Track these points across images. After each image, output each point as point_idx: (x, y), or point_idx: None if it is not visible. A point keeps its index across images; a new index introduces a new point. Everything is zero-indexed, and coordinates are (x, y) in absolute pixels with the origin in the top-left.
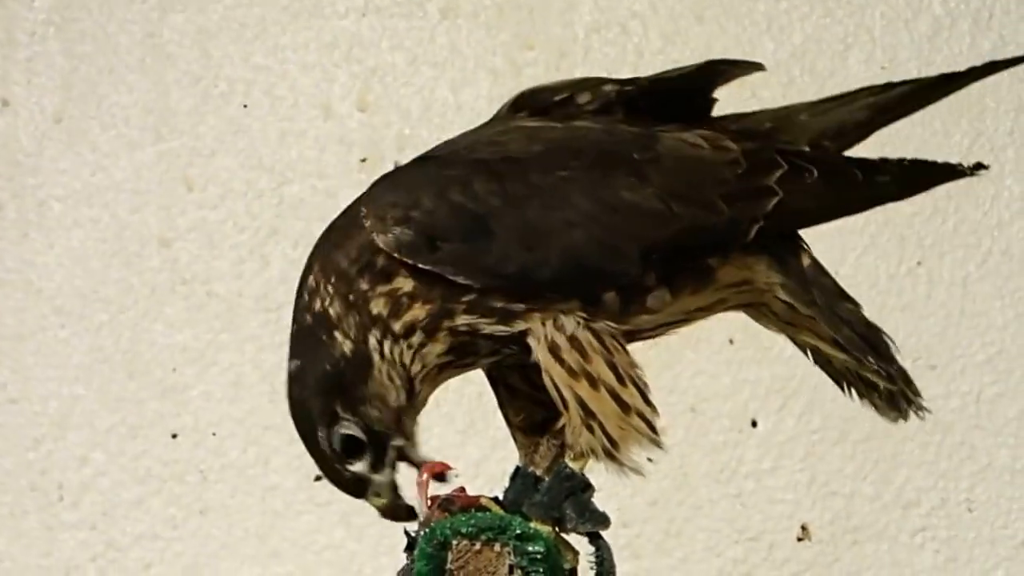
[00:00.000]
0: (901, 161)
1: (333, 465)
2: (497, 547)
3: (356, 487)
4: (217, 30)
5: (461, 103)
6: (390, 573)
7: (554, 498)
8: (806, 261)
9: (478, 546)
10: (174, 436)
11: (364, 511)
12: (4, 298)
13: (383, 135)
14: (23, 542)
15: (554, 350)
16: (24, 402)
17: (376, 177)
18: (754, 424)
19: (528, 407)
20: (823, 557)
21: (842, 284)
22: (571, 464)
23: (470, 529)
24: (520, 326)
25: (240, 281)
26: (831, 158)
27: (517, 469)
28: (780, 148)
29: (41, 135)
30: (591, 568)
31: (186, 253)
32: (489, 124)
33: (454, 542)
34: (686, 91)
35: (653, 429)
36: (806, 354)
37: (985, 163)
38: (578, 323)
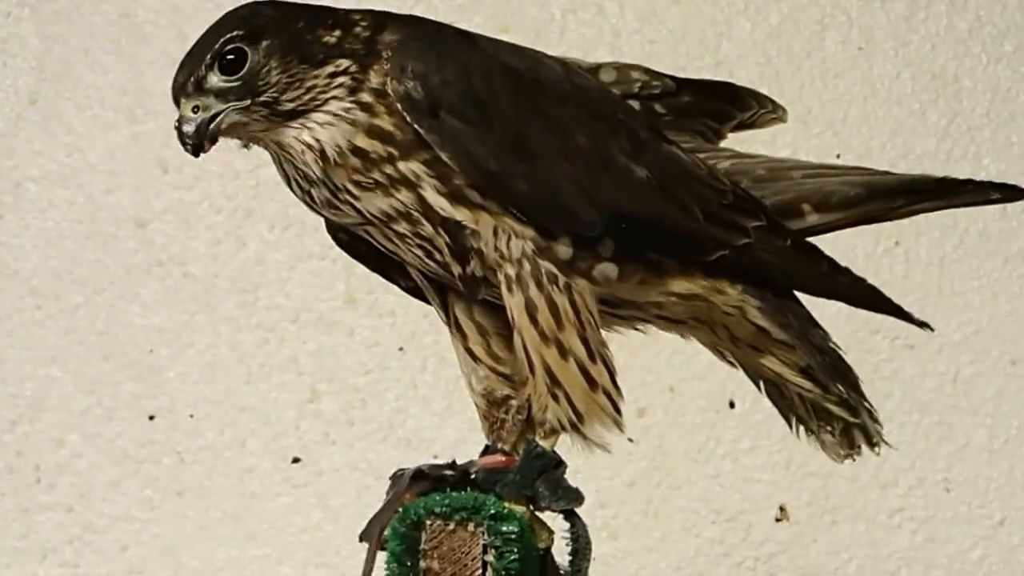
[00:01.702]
0: (862, 280)
1: (201, 59)
2: (471, 527)
3: (186, 89)
4: (192, 11)
5: None
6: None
7: (526, 477)
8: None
9: (452, 526)
10: (151, 418)
11: (342, 493)
12: None
13: None
14: None
15: (531, 311)
16: (0, 384)
17: None
18: (732, 405)
19: (490, 378)
20: (801, 537)
21: None
22: (541, 442)
23: (444, 509)
24: (464, 215)
25: (216, 262)
26: (808, 243)
27: (486, 448)
28: (767, 209)
29: (16, 116)
30: (567, 545)
31: (162, 234)
32: (518, 46)
33: (427, 522)
34: (704, 111)
35: (617, 410)
36: (757, 385)
37: (930, 324)
38: (525, 253)
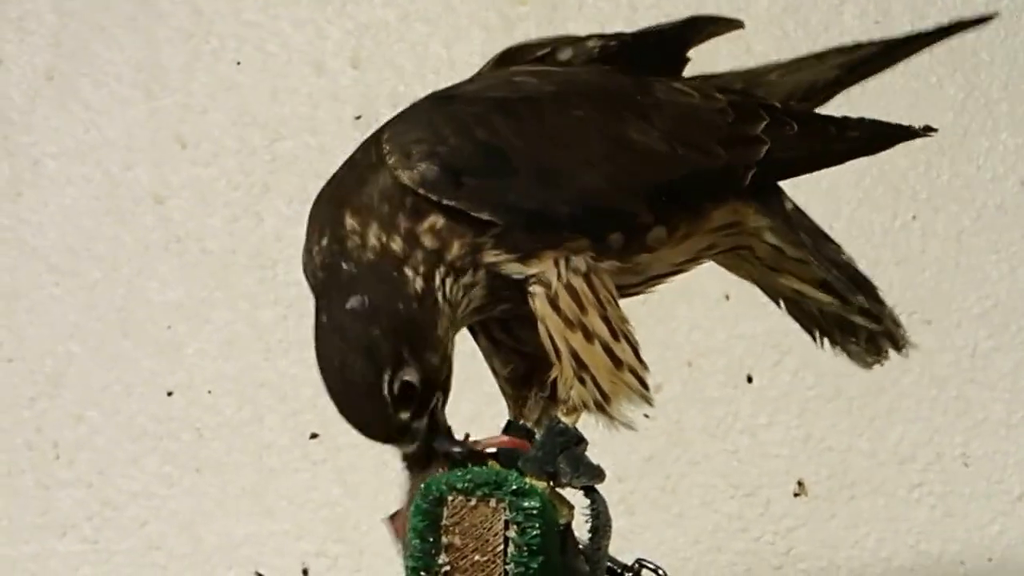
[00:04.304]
0: (862, 120)
1: (386, 411)
2: (493, 503)
3: (400, 433)
4: None
5: (454, 59)
6: (385, 530)
7: (548, 453)
8: (788, 205)
9: (473, 502)
10: (169, 394)
11: (360, 469)
12: None
13: (376, 92)
14: (19, 501)
15: (552, 300)
16: (19, 361)
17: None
18: (749, 379)
19: (514, 359)
20: (819, 512)
21: (837, 239)
22: (563, 419)
23: (466, 484)
24: (535, 267)
25: (234, 238)
26: (807, 114)
27: (509, 423)
28: (760, 102)
29: (34, 93)
30: (587, 521)
31: (179, 211)
32: (482, 76)
33: (449, 498)
34: (663, 47)
35: (644, 385)
36: (778, 303)
37: (934, 127)
38: (587, 262)
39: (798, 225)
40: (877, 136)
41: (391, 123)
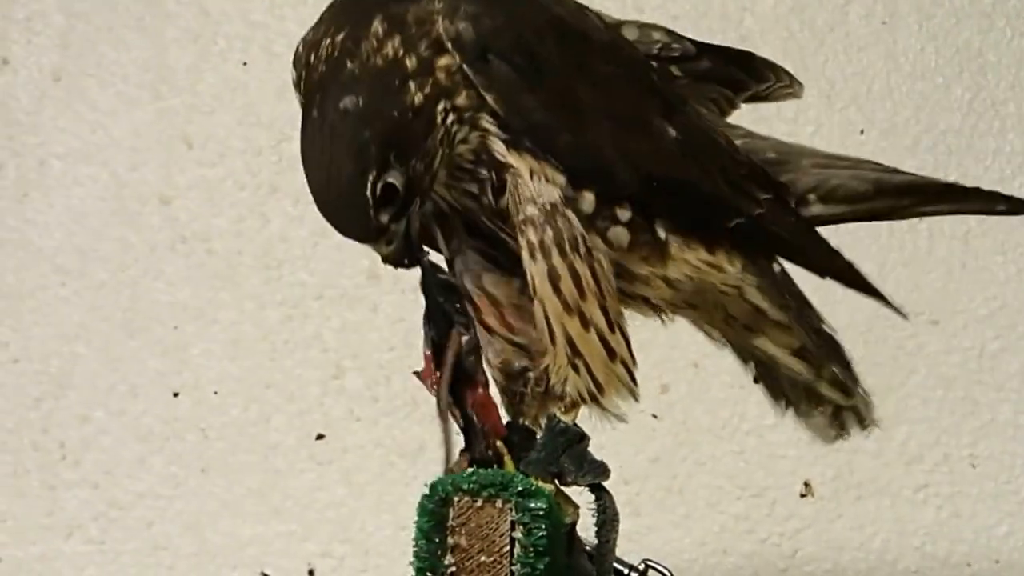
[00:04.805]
0: (851, 264)
1: (367, 212)
2: (499, 503)
3: (377, 234)
4: None
5: None
6: (391, 531)
7: (551, 453)
8: (776, 268)
9: (479, 502)
10: (175, 394)
11: (366, 469)
12: (4, 257)
13: None
14: (25, 501)
15: (553, 280)
16: (25, 361)
17: None
18: (756, 380)
19: (506, 350)
20: (826, 513)
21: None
22: (563, 417)
23: (472, 485)
24: (512, 158)
25: (240, 239)
26: (808, 223)
27: (508, 424)
28: (774, 182)
29: (40, 94)
30: (593, 517)
31: (186, 211)
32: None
33: (455, 498)
34: (721, 78)
35: (633, 379)
36: (745, 366)
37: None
38: (552, 199)
39: (786, 289)
40: (856, 284)
41: None
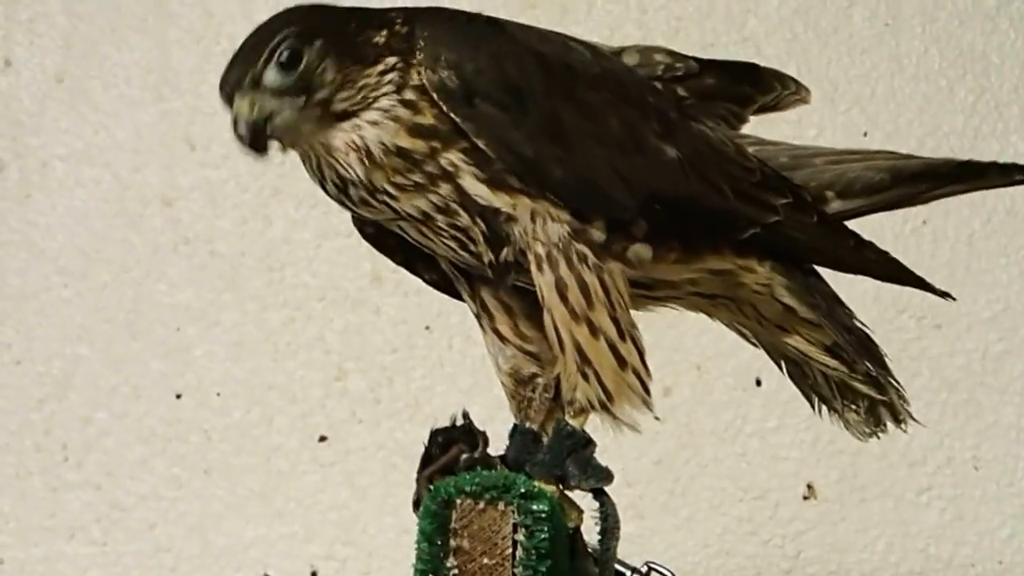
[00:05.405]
0: (886, 254)
1: (259, 54)
2: (501, 506)
3: (251, 85)
4: None
5: None
6: (394, 533)
7: (556, 456)
8: (807, 267)
9: (482, 505)
10: (178, 396)
11: (369, 471)
12: (7, 258)
13: None
14: (28, 503)
15: (561, 289)
16: (28, 362)
17: None
18: (758, 383)
19: (517, 358)
20: (829, 515)
21: None
22: (571, 421)
23: (474, 488)
24: (502, 201)
25: (243, 241)
26: (832, 217)
27: (515, 427)
28: (792, 186)
29: (43, 95)
30: (596, 523)
31: (188, 213)
32: (543, 31)
33: (458, 501)
34: (727, 91)
35: (647, 391)
36: (779, 366)
37: (952, 295)
38: (562, 237)
39: (815, 288)
40: (892, 271)
41: (429, 20)
